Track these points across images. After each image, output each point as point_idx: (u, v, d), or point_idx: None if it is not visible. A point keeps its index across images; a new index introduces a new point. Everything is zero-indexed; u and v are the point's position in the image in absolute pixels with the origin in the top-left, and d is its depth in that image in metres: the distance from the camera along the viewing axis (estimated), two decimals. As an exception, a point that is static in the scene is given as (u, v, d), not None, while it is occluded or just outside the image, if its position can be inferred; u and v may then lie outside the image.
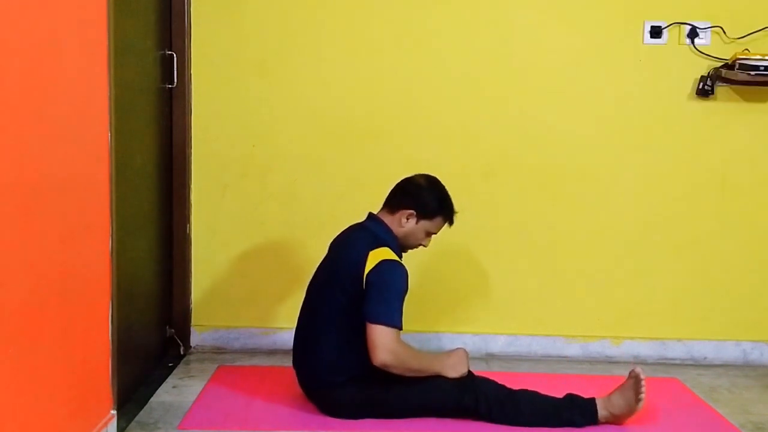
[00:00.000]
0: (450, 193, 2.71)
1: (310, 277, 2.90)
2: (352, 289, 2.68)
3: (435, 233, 2.88)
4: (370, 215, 2.87)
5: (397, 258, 2.71)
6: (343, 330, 2.71)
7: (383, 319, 2.61)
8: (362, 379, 2.71)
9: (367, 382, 2.71)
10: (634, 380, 2.68)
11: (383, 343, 2.59)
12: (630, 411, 2.68)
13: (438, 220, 2.84)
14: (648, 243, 3.55)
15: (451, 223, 2.88)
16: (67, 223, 2.16)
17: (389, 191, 2.86)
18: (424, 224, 2.81)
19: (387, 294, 2.65)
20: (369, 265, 2.65)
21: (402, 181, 2.88)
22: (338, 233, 2.90)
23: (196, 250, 3.52)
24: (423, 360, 2.76)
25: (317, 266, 2.90)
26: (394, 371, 2.63)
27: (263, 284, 3.55)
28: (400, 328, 2.64)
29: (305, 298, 2.89)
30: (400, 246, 2.82)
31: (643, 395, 2.65)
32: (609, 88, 3.48)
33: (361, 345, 2.65)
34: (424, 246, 2.90)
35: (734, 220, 3.53)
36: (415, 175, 2.89)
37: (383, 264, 2.66)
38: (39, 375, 2.02)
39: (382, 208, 2.86)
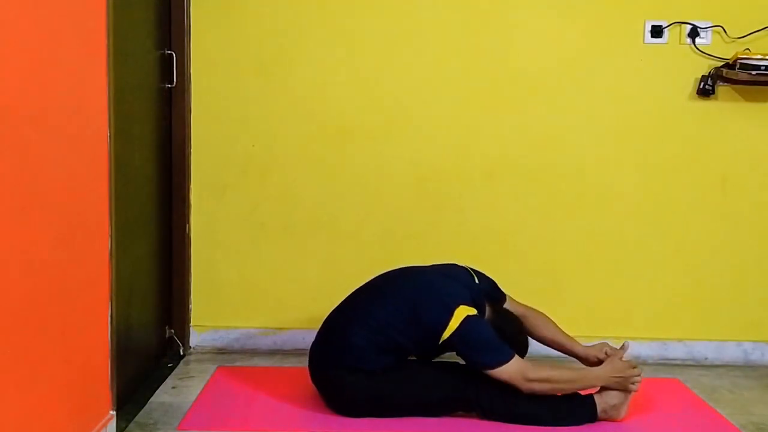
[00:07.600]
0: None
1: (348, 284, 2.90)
2: (415, 335, 2.71)
3: None
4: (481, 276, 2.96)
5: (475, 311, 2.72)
6: (377, 333, 2.71)
7: (495, 361, 2.64)
8: (374, 374, 2.72)
9: (377, 377, 2.72)
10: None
11: (513, 377, 2.63)
12: (624, 396, 2.74)
13: None
14: (648, 243, 3.54)
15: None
16: (65, 224, 2.16)
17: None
18: None
19: (480, 342, 2.67)
20: (451, 327, 2.66)
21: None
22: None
23: (196, 250, 3.51)
24: (564, 371, 2.78)
25: (376, 275, 2.91)
26: (548, 390, 2.69)
27: (263, 284, 3.54)
28: (513, 355, 2.65)
29: (347, 299, 2.88)
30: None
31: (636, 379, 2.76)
32: (610, 88, 3.48)
33: (386, 350, 2.70)
34: None
35: (735, 220, 3.53)
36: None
37: (464, 323, 2.66)
38: (38, 375, 2.02)
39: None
